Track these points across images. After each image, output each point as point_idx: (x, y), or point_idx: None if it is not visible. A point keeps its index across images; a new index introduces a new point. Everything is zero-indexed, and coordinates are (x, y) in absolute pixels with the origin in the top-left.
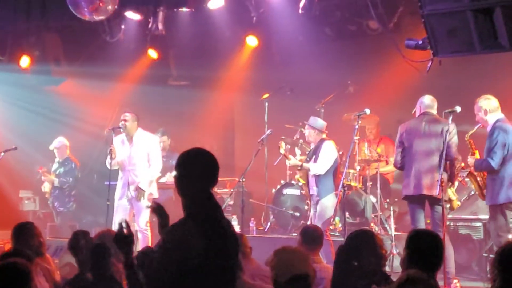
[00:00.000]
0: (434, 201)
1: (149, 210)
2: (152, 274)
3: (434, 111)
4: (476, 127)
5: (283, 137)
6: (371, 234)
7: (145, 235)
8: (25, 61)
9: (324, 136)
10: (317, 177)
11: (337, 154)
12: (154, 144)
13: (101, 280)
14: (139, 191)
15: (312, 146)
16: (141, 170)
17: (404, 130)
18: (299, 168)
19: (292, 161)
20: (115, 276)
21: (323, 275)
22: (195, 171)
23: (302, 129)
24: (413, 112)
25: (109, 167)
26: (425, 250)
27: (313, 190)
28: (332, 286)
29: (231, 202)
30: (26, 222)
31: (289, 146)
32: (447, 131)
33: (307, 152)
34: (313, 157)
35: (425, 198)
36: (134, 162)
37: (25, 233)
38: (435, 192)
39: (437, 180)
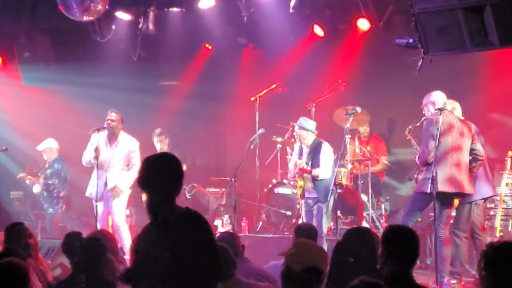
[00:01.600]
0: (465, 199)
1: (124, 206)
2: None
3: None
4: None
5: (274, 136)
6: (369, 232)
7: (122, 230)
8: None
9: (314, 136)
10: (318, 180)
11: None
12: (135, 147)
13: (95, 280)
14: (117, 191)
15: (304, 147)
16: (118, 171)
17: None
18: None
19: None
20: (108, 277)
21: None
22: (157, 174)
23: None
24: (422, 107)
25: (85, 165)
26: (404, 246)
27: (311, 193)
28: (328, 283)
29: (223, 202)
30: (17, 223)
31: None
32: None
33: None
34: (312, 160)
35: (455, 196)
36: (113, 164)
37: (16, 233)
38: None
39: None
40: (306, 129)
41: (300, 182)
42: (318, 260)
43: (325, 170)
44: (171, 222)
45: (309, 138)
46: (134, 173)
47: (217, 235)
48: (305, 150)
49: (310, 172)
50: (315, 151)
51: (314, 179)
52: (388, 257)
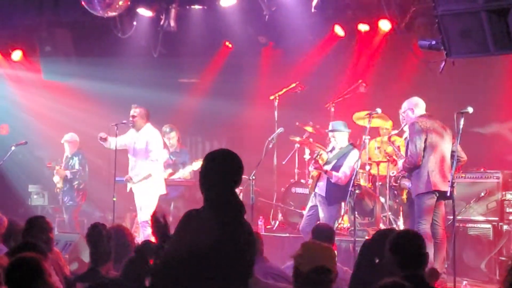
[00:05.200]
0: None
1: (152, 206)
2: (163, 259)
3: None
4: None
5: (291, 136)
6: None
7: (144, 229)
8: (17, 54)
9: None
10: (330, 182)
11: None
12: (153, 136)
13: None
14: (129, 180)
15: (335, 147)
16: (139, 164)
17: (428, 129)
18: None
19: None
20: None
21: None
22: (223, 168)
23: (310, 128)
24: (402, 112)
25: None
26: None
27: (322, 191)
28: (352, 282)
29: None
30: (39, 216)
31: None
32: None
33: (328, 151)
34: (336, 162)
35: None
36: (135, 158)
37: (38, 226)
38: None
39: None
40: (338, 130)
41: (314, 173)
42: (326, 260)
43: (342, 175)
44: (228, 218)
45: (344, 140)
46: (152, 165)
47: None
48: (336, 150)
49: (325, 172)
50: (343, 155)
51: (328, 179)
52: (399, 265)
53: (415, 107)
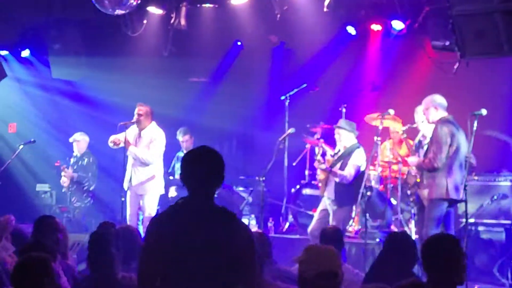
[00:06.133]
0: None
1: (155, 202)
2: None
3: None
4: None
5: (305, 135)
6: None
7: None
8: (25, 53)
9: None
10: (337, 183)
11: (364, 164)
12: (157, 136)
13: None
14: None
15: (340, 148)
16: (140, 164)
17: (453, 134)
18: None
19: (322, 165)
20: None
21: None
22: (201, 168)
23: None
24: (424, 109)
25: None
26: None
27: (330, 194)
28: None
29: (250, 201)
30: (48, 216)
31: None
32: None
33: (332, 154)
34: (342, 163)
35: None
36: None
37: (47, 227)
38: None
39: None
40: (346, 128)
41: (321, 176)
42: (331, 264)
43: (347, 174)
44: (212, 218)
45: (349, 139)
46: (148, 155)
47: None
48: (341, 151)
49: (329, 171)
50: (348, 154)
51: (335, 182)
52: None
53: (439, 106)
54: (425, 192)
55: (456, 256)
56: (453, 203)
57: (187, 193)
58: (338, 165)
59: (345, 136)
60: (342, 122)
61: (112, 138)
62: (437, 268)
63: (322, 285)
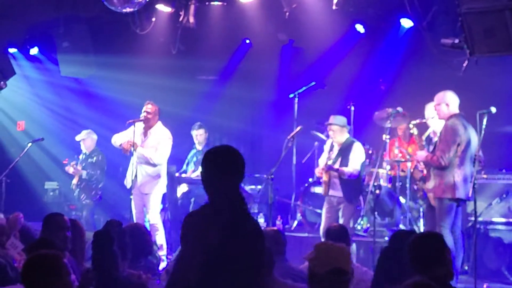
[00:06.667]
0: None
1: (159, 200)
2: (176, 268)
3: None
4: None
5: (313, 131)
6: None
7: (156, 228)
8: (34, 50)
9: (347, 132)
10: (345, 179)
11: (365, 157)
12: (164, 137)
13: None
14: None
15: (335, 144)
16: (148, 163)
17: (463, 133)
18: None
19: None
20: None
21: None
22: (222, 166)
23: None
24: (436, 105)
25: (113, 144)
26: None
27: (337, 192)
28: (373, 284)
29: (258, 199)
30: (56, 214)
31: None
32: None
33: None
34: (342, 159)
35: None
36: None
37: (55, 224)
38: None
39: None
40: (337, 124)
41: (325, 177)
42: (341, 261)
43: (353, 170)
44: (233, 218)
45: (342, 134)
46: (157, 156)
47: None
48: (336, 148)
49: (336, 170)
50: (346, 149)
51: (341, 177)
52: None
53: (450, 102)
54: (430, 185)
55: (440, 253)
56: (461, 201)
57: (202, 190)
58: (338, 161)
59: (338, 132)
60: (333, 118)
61: (119, 138)
62: (424, 268)
63: (332, 282)
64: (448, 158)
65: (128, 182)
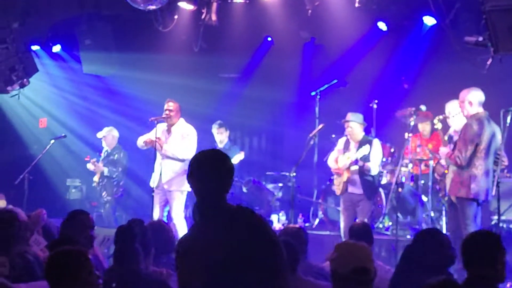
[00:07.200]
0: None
1: (183, 198)
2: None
3: None
4: None
5: (333, 135)
6: (439, 233)
7: (178, 223)
8: (57, 47)
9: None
10: (366, 176)
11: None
12: (189, 132)
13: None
14: (160, 143)
15: (351, 142)
16: (174, 161)
17: (483, 133)
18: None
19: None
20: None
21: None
22: (208, 172)
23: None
24: (460, 102)
25: (139, 146)
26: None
27: (358, 189)
28: (392, 282)
29: (280, 197)
30: (81, 212)
31: None
32: None
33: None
34: (361, 157)
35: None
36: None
37: (80, 223)
38: None
39: None
40: (356, 121)
41: (346, 174)
42: (363, 260)
43: (374, 166)
44: (225, 220)
45: (360, 131)
46: (183, 152)
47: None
48: (353, 145)
49: (362, 166)
50: (366, 146)
51: (362, 173)
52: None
53: (473, 100)
54: (447, 182)
55: (495, 253)
56: (480, 201)
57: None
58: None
59: (357, 129)
60: (352, 115)
61: (143, 138)
62: (476, 265)
63: (356, 281)
64: (465, 158)
65: (154, 182)
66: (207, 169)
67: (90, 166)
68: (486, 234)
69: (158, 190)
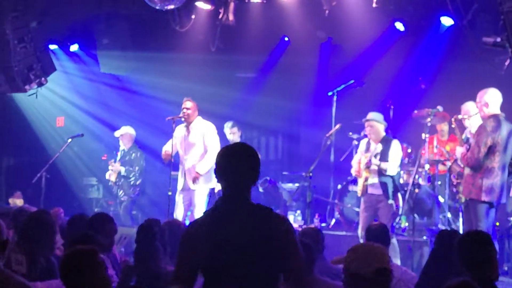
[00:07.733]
0: None
1: (204, 200)
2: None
3: None
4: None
5: (350, 133)
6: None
7: None
8: (74, 47)
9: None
10: (385, 176)
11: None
12: (209, 129)
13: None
14: (195, 175)
15: (372, 143)
16: (197, 158)
17: (497, 136)
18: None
19: (374, 160)
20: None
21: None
22: (238, 164)
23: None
24: (477, 102)
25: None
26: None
27: (376, 190)
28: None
29: (296, 197)
30: (108, 219)
31: None
32: None
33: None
34: (381, 155)
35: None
36: (190, 151)
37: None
38: None
39: None
40: (377, 120)
41: (365, 174)
42: (384, 261)
43: (393, 166)
44: (249, 214)
45: (380, 131)
46: (210, 156)
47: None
48: (373, 146)
49: (378, 165)
50: (385, 146)
51: (381, 174)
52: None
53: (490, 102)
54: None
55: (489, 253)
56: (494, 204)
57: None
58: (377, 158)
59: (377, 128)
60: (373, 114)
61: (164, 153)
62: (474, 266)
63: (377, 282)
64: (477, 160)
65: (179, 185)
66: (234, 161)
67: (109, 172)
68: (477, 234)
69: (184, 192)
